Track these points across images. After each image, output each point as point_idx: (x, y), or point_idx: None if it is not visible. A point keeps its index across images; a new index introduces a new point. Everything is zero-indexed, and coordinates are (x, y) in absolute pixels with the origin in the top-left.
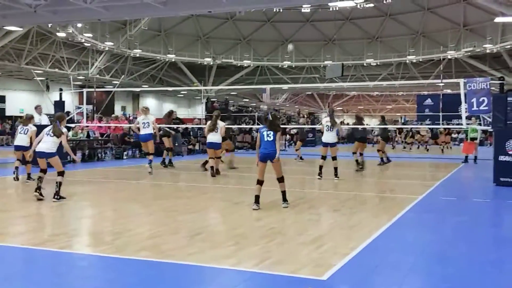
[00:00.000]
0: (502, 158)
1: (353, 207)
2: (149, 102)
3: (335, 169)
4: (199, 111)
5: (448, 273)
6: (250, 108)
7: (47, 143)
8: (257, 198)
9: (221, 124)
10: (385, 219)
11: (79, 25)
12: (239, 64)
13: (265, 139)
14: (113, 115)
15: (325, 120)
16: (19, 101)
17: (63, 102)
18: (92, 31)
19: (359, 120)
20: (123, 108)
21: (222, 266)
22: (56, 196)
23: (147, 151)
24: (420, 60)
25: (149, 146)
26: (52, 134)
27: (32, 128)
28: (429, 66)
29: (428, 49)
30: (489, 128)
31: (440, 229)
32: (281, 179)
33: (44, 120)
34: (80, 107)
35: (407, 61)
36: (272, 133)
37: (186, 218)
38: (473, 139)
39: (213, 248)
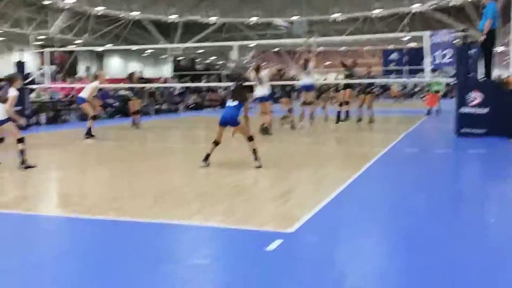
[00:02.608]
0: (463, 110)
1: (318, 162)
2: (114, 62)
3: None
4: (166, 70)
5: (410, 223)
6: (217, 66)
7: None
8: (207, 156)
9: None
10: (350, 172)
11: None
12: (205, 22)
13: (227, 104)
14: (76, 76)
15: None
16: None
17: (23, 63)
18: None
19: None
20: (87, 69)
21: (188, 222)
22: (23, 165)
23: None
24: (386, 14)
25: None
26: None
27: None
28: (395, 21)
29: (393, 2)
30: (453, 81)
31: (403, 181)
32: (250, 138)
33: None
34: (42, 68)
35: (373, 16)
36: (235, 98)
37: (152, 179)
38: (436, 91)
39: (179, 207)
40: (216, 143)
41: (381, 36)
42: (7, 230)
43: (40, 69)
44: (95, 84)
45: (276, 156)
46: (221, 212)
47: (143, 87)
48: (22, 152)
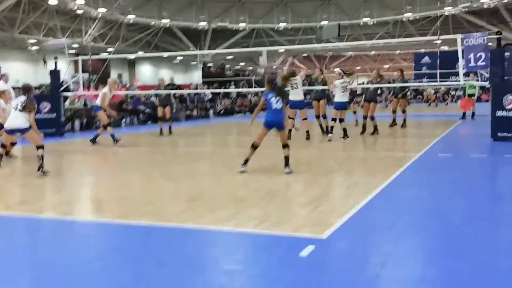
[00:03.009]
0: (499, 113)
1: (351, 167)
2: (145, 69)
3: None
4: (196, 76)
5: (444, 229)
6: (247, 72)
7: (18, 119)
8: (246, 161)
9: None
10: (382, 178)
11: None
12: (234, 28)
13: (273, 107)
14: None
15: (339, 81)
16: (15, 72)
17: (59, 71)
18: None
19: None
20: (119, 76)
21: (222, 228)
22: (39, 170)
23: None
24: (417, 17)
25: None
26: (21, 109)
27: None
28: (426, 24)
29: (426, 5)
30: (487, 84)
31: (437, 186)
32: (286, 146)
33: (11, 91)
34: (76, 76)
35: (404, 19)
36: (281, 100)
37: (185, 183)
38: (470, 95)
39: (212, 211)
40: (255, 147)
41: (413, 40)
42: (43, 234)
43: (74, 77)
44: (105, 90)
45: (307, 162)
46: (254, 217)
47: (174, 94)
48: (41, 158)
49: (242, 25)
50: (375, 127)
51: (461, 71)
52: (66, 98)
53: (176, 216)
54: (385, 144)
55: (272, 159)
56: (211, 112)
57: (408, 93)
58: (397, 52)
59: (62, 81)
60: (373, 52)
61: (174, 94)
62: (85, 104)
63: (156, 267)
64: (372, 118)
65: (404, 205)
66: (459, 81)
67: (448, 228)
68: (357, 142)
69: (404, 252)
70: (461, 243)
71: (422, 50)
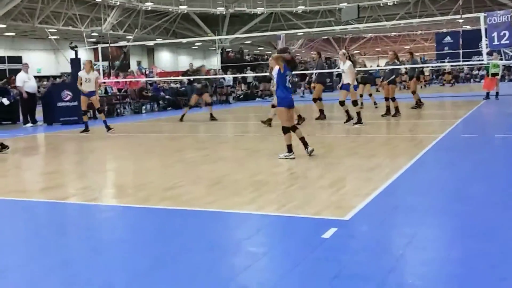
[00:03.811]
0: None
1: (373, 149)
2: (164, 55)
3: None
4: (215, 62)
5: (466, 211)
6: (266, 57)
7: None
8: (290, 148)
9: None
10: (404, 160)
11: None
12: (252, 12)
13: (287, 84)
14: (129, 70)
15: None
16: (36, 61)
17: (79, 59)
18: None
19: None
20: (139, 63)
21: (244, 211)
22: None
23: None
24: None
25: (95, 101)
26: None
27: None
28: (448, 3)
29: None
30: (511, 63)
31: (460, 168)
32: (296, 127)
33: (32, 80)
34: (96, 64)
35: None
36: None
37: (206, 167)
38: (494, 74)
39: (234, 195)
40: (293, 128)
41: (434, 20)
42: (68, 218)
43: (94, 64)
44: (95, 76)
45: (328, 144)
46: (276, 200)
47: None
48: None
49: (260, 9)
50: (397, 109)
51: (485, 50)
52: None
53: (197, 200)
54: (408, 125)
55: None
56: (230, 97)
57: (425, 74)
58: (418, 32)
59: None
60: (393, 33)
61: (192, 80)
62: (105, 92)
63: (179, 250)
64: (393, 99)
65: (428, 187)
66: (483, 60)
67: (472, 210)
68: (380, 124)
69: (427, 233)
70: (483, 225)
71: (444, 30)
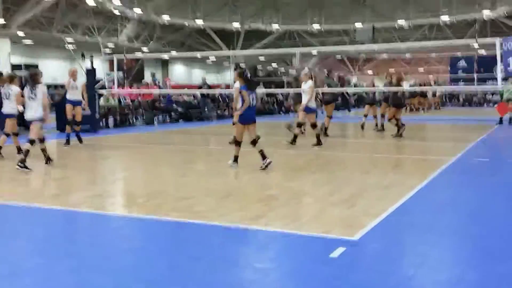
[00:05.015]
0: None
1: (384, 168)
2: (178, 68)
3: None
4: (228, 77)
5: (483, 232)
6: (279, 73)
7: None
8: (236, 158)
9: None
10: (417, 180)
11: None
12: (267, 29)
13: (252, 104)
14: (143, 81)
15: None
16: (52, 70)
17: (95, 69)
18: None
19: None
20: (153, 75)
21: (253, 226)
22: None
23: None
24: (454, 20)
25: (78, 112)
26: (33, 96)
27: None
28: (463, 27)
29: (462, 8)
30: None
31: (473, 190)
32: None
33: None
34: (111, 74)
35: (441, 22)
36: (254, 95)
37: (216, 180)
38: (508, 100)
39: (244, 209)
40: (240, 143)
41: (450, 43)
42: (78, 226)
43: (109, 75)
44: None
45: (339, 162)
46: (285, 216)
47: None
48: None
49: (275, 26)
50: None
51: (500, 75)
52: (101, 95)
53: (207, 212)
54: (418, 147)
55: (303, 159)
56: None
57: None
58: (433, 55)
59: (99, 79)
60: (407, 55)
61: (207, 94)
62: (119, 102)
63: (189, 261)
64: (397, 120)
65: (441, 207)
66: (497, 85)
67: (486, 231)
68: (389, 144)
69: (440, 254)
70: (501, 247)
71: (459, 54)
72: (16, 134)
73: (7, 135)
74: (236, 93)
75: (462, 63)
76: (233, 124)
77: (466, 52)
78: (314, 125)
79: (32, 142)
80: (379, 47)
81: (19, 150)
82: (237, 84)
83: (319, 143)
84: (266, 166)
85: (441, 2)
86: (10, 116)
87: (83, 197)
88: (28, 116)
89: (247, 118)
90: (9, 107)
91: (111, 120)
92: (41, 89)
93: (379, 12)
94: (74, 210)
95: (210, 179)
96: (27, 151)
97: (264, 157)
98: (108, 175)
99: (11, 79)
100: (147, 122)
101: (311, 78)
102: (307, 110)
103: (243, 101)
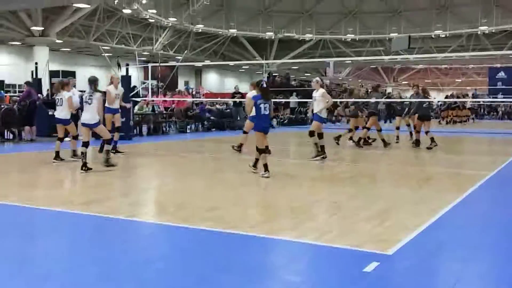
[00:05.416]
0: None
1: (418, 182)
2: (211, 76)
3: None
4: None
5: None
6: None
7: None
8: (266, 166)
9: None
10: (453, 195)
11: (144, 1)
12: (301, 38)
13: (263, 112)
14: (176, 90)
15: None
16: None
17: (130, 77)
18: (156, 7)
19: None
20: (186, 83)
21: (284, 237)
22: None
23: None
24: (493, 31)
25: (117, 119)
26: (90, 102)
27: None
28: (503, 38)
29: (502, 19)
30: None
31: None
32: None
33: (76, 95)
34: (146, 82)
35: (479, 32)
36: (268, 105)
37: (246, 190)
38: None
39: (273, 220)
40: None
41: (488, 54)
42: (109, 233)
43: (144, 83)
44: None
45: (370, 175)
46: (317, 228)
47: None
48: (107, 152)
49: (308, 35)
50: (432, 140)
51: None
52: (135, 103)
53: (237, 222)
54: (454, 160)
55: (334, 170)
56: (274, 121)
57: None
58: (470, 66)
59: (134, 87)
60: (444, 66)
61: (239, 103)
62: (153, 110)
63: (217, 272)
64: (427, 132)
65: (477, 223)
66: None
67: None
68: (422, 157)
69: (477, 271)
70: None
71: (498, 65)
72: (75, 137)
73: (61, 140)
74: (247, 102)
75: (502, 74)
76: (244, 133)
77: (506, 63)
78: (312, 133)
79: (105, 142)
80: (414, 57)
81: (74, 153)
82: (250, 94)
83: (319, 154)
84: (264, 176)
85: (480, 13)
86: (63, 121)
87: (113, 204)
88: (83, 118)
89: (262, 126)
90: (62, 113)
91: (144, 128)
92: (97, 97)
93: (414, 22)
94: (106, 217)
95: (240, 188)
96: (108, 151)
97: (266, 169)
98: (139, 183)
99: (62, 86)
100: (180, 130)
101: (322, 87)
102: (318, 119)
103: (257, 110)
